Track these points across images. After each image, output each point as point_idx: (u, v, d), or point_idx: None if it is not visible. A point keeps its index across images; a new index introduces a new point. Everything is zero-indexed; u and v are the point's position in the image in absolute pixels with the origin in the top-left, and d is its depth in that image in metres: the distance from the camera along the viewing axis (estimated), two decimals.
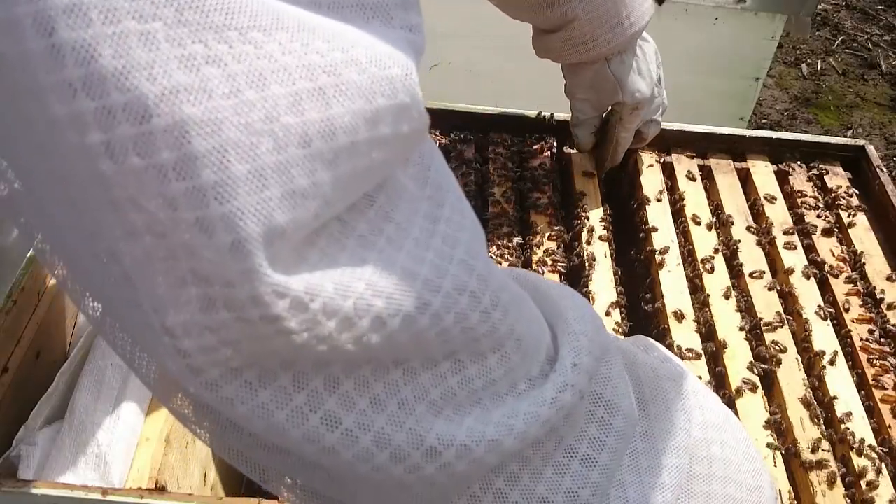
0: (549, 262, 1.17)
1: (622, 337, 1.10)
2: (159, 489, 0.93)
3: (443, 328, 0.46)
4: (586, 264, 1.17)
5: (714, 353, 1.08)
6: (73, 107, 0.36)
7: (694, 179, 1.33)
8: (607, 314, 1.12)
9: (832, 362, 1.05)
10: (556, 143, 1.39)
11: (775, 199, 1.30)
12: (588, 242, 1.21)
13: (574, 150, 1.37)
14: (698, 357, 1.06)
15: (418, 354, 0.47)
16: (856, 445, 0.96)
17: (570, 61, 1.21)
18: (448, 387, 0.48)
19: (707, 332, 1.10)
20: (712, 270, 1.18)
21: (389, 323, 0.44)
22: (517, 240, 1.21)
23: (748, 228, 1.25)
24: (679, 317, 1.11)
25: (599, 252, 1.20)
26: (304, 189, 0.40)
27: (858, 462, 0.95)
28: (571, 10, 1.14)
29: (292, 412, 0.45)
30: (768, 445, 0.96)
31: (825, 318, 1.11)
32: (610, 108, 1.28)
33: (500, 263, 1.17)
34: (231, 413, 0.45)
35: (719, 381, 1.04)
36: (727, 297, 1.14)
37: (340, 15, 0.43)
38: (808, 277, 1.18)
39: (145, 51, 0.36)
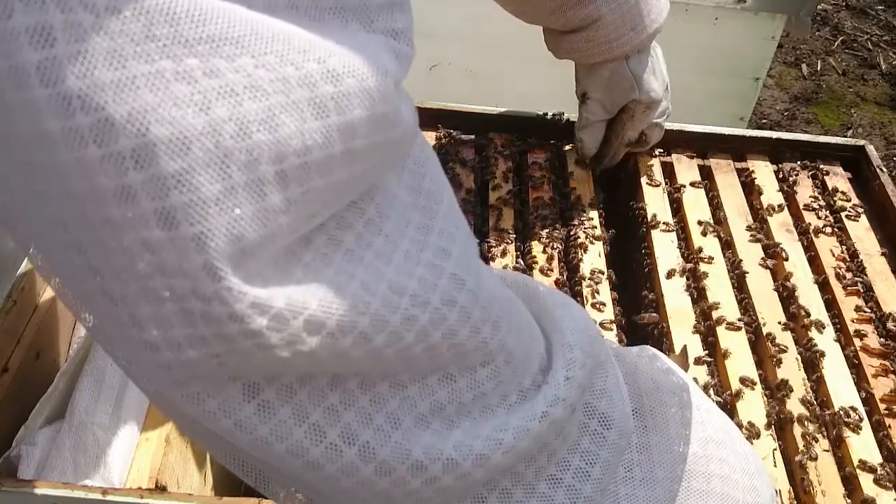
0: (548, 265, 1.18)
1: (618, 344, 1.10)
2: (159, 489, 0.93)
3: (430, 344, 0.45)
4: (584, 265, 1.18)
5: (714, 353, 1.08)
6: (41, 127, 0.35)
7: (696, 182, 1.33)
8: (603, 324, 1.12)
9: (832, 362, 1.05)
10: (555, 144, 1.39)
11: (775, 200, 1.30)
12: (584, 248, 1.21)
13: (569, 148, 1.37)
14: (698, 357, 1.06)
15: (406, 368, 0.47)
16: (856, 445, 0.96)
17: (593, 61, 1.21)
18: (436, 399, 0.48)
19: (707, 331, 1.10)
20: (711, 271, 1.18)
21: (375, 339, 0.43)
22: (516, 241, 1.21)
23: (748, 228, 1.25)
24: (679, 317, 1.11)
25: (596, 252, 1.20)
26: (277, 205, 0.39)
27: (858, 462, 0.94)
28: (596, 10, 1.14)
29: (276, 426, 0.44)
30: (768, 445, 0.96)
31: (825, 318, 1.11)
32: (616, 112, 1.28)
33: (500, 262, 1.17)
34: (215, 426, 0.44)
35: (719, 381, 1.04)
36: (727, 296, 1.14)
37: (318, 18, 0.42)
38: (807, 277, 1.18)
39: (111, 70, 0.35)
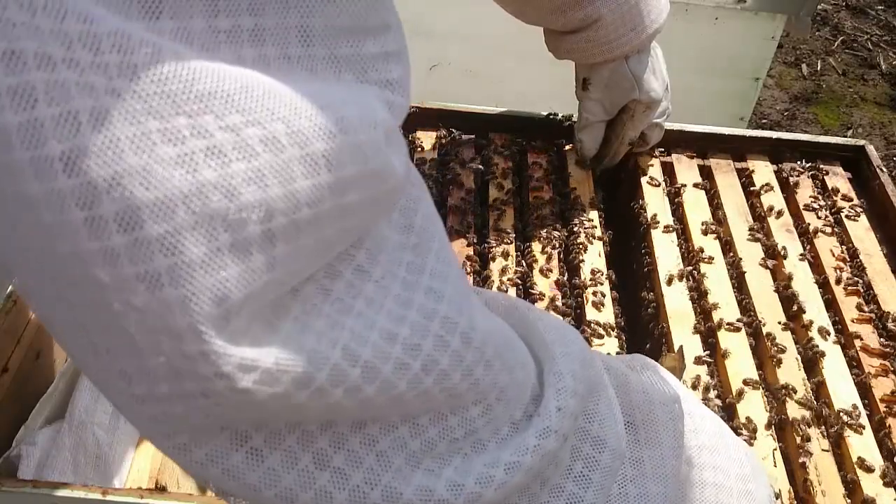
0: (548, 265, 1.17)
1: (613, 353, 1.10)
2: (159, 489, 0.93)
3: (422, 390, 0.45)
4: (584, 265, 1.18)
5: (714, 353, 1.08)
6: (23, 189, 0.34)
7: (698, 186, 1.33)
8: (603, 324, 1.12)
9: (832, 362, 1.05)
10: (555, 144, 1.39)
11: (775, 200, 1.30)
12: (584, 248, 1.21)
13: (569, 148, 1.37)
14: (698, 357, 1.06)
15: (397, 411, 0.46)
16: (856, 445, 0.96)
17: (593, 61, 1.21)
18: (427, 438, 0.48)
19: (707, 332, 1.10)
20: (711, 271, 1.18)
21: (366, 389, 0.43)
22: (516, 241, 1.21)
23: (749, 229, 1.25)
24: (679, 317, 1.11)
25: (596, 252, 1.20)
26: (263, 265, 0.39)
27: (858, 461, 0.94)
28: (595, 10, 1.14)
29: (265, 472, 0.44)
30: (768, 445, 0.96)
31: (825, 318, 1.11)
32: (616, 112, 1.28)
33: (500, 263, 1.17)
34: (204, 474, 0.44)
35: (719, 381, 1.04)
36: (727, 297, 1.14)
37: (311, 69, 0.41)
38: (807, 277, 1.18)
39: (94, 131, 0.34)
